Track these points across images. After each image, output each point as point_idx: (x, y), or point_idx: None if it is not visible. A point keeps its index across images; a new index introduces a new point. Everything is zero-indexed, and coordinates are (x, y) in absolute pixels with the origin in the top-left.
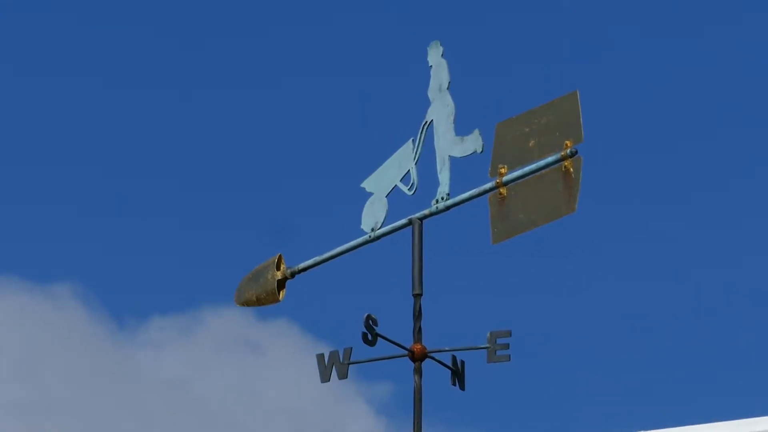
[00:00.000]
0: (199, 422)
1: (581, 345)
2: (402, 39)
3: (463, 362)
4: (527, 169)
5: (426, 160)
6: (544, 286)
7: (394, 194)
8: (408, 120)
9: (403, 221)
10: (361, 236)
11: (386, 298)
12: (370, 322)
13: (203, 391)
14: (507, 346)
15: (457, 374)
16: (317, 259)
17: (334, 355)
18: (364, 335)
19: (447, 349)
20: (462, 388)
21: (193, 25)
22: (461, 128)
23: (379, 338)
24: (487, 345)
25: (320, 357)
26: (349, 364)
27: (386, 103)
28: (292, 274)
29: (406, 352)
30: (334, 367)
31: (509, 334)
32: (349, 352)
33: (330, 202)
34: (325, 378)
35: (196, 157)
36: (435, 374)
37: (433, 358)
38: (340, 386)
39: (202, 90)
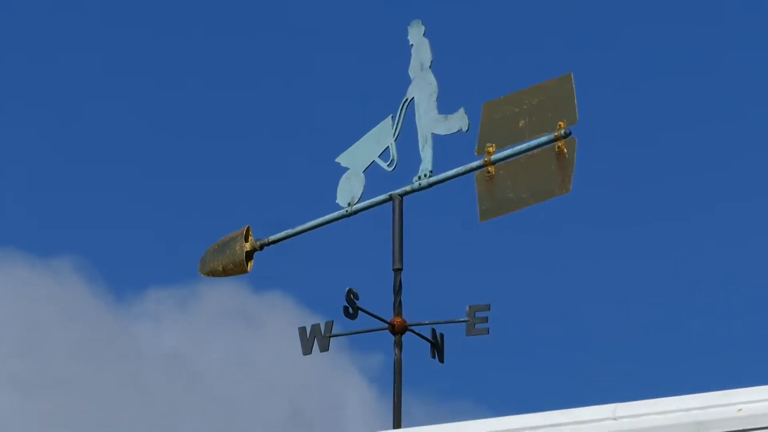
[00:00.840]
0: (197, 396)
1: (558, 320)
2: (382, 17)
3: (442, 335)
4: (518, 148)
5: (405, 137)
6: (523, 262)
7: (371, 170)
8: (384, 97)
9: (383, 197)
10: (336, 210)
11: (367, 272)
12: (351, 296)
13: (200, 365)
14: (486, 320)
15: (437, 347)
16: (289, 231)
17: (315, 328)
18: (345, 309)
19: (427, 322)
20: (441, 360)
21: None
22: (444, 107)
23: (360, 312)
24: (467, 318)
25: (302, 330)
26: (330, 336)
27: (363, 80)
28: (261, 246)
29: (386, 326)
30: (315, 340)
31: (488, 308)
32: (330, 325)
33: (304, 177)
34: (306, 350)
35: (188, 135)
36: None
37: (413, 331)
38: (335, 358)
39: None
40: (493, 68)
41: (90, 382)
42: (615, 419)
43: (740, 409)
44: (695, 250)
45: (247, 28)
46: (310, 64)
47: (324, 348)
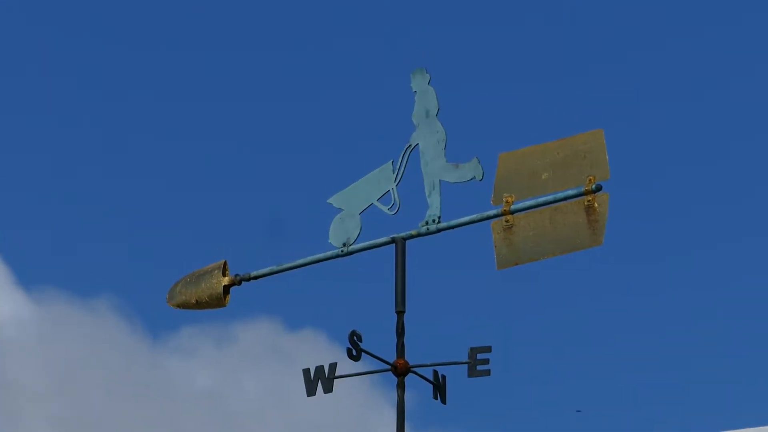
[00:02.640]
0: None
1: (558, 361)
2: (382, 64)
3: (444, 377)
4: (542, 199)
5: (404, 182)
6: (524, 305)
7: (366, 213)
8: (376, 143)
9: (385, 239)
10: (329, 250)
11: (370, 314)
12: (355, 338)
13: (235, 404)
14: (487, 361)
15: (439, 388)
16: (273, 268)
17: (319, 369)
18: (349, 351)
19: (429, 364)
20: (443, 402)
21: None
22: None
23: (363, 353)
24: (468, 360)
25: (306, 372)
26: (334, 378)
27: (359, 124)
28: (240, 281)
29: (389, 367)
30: (320, 382)
31: (489, 349)
32: (334, 366)
33: (291, 217)
34: (311, 392)
35: (240, 170)
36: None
37: (415, 372)
38: (369, 395)
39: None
40: (490, 121)
41: (126, 421)
42: None
43: None
44: (693, 287)
45: (239, 62)
46: (303, 99)
47: (328, 389)
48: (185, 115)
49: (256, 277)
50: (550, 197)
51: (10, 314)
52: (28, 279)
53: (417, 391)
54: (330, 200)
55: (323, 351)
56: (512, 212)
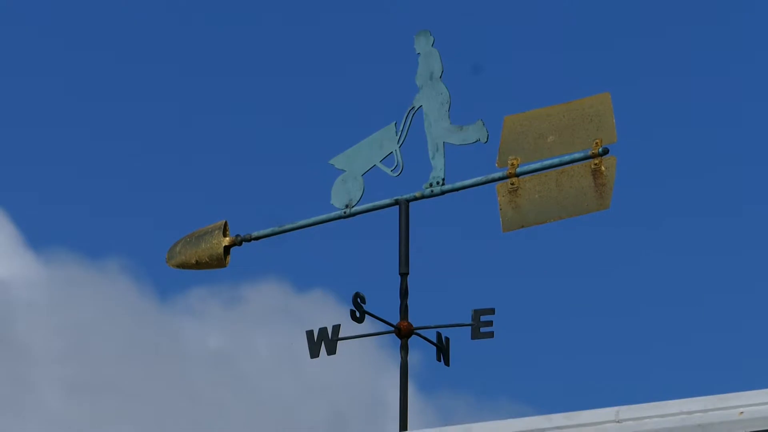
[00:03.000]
0: (242, 397)
1: (561, 323)
2: (386, 24)
3: (448, 339)
4: (547, 162)
5: (407, 144)
6: (528, 266)
7: (370, 174)
8: (377, 104)
9: (389, 201)
10: (331, 212)
11: (373, 275)
12: (359, 299)
13: (246, 365)
14: (491, 323)
15: (442, 350)
16: (275, 228)
17: (323, 331)
18: (353, 312)
19: (432, 326)
20: (447, 364)
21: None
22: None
23: (366, 315)
24: (472, 322)
25: (309, 333)
26: (337, 340)
27: (361, 86)
28: (242, 242)
29: (392, 329)
30: (323, 343)
31: (493, 311)
32: (337, 328)
33: (289, 179)
34: (314, 354)
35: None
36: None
37: (418, 334)
38: (381, 357)
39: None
40: (496, 82)
41: (138, 383)
42: (618, 422)
43: (742, 412)
44: (695, 253)
45: (249, 20)
46: (308, 64)
47: (331, 351)
48: (187, 79)
49: (257, 238)
50: (556, 160)
51: (20, 275)
52: (37, 240)
53: (425, 352)
54: (331, 161)
55: (332, 312)
56: (518, 175)
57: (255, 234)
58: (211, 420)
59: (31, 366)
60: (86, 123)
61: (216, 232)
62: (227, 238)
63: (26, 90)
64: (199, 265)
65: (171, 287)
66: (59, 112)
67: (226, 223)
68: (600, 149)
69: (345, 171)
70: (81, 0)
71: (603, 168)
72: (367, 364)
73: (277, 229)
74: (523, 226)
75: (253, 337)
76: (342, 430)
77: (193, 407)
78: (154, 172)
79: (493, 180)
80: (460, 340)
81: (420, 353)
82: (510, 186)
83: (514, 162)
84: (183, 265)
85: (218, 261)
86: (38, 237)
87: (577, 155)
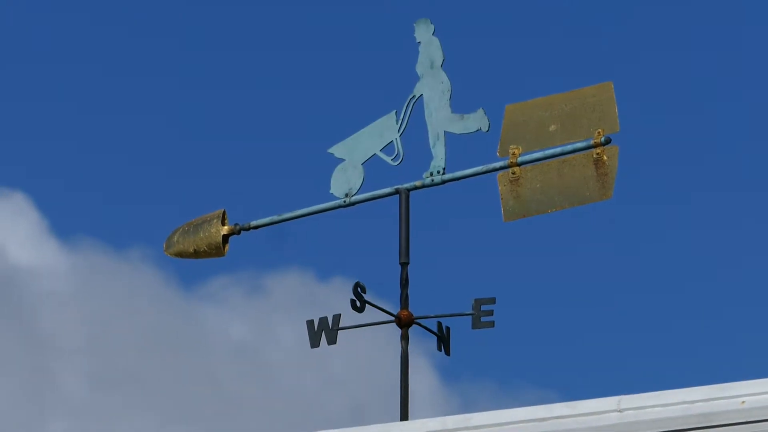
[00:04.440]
0: (264, 388)
1: (563, 313)
2: (385, 12)
3: (448, 328)
4: (549, 152)
5: (408, 133)
6: (528, 255)
7: (370, 163)
8: (377, 92)
9: (389, 190)
10: (330, 201)
11: (373, 264)
12: (359, 289)
13: (268, 356)
14: (491, 313)
15: (443, 340)
16: (274, 218)
17: (323, 321)
18: (353, 302)
19: (433, 315)
20: (447, 353)
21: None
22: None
23: (367, 305)
24: (472, 312)
25: (310, 323)
26: (338, 329)
27: (361, 74)
28: (240, 231)
29: (393, 319)
30: (323, 333)
31: (493, 301)
32: (338, 318)
33: (289, 167)
34: (314, 343)
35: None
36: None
37: (419, 324)
38: (397, 345)
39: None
40: (499, 71)
41: (162, 374)
42: (619, 411)
43: (743, 402)
44: (695, 241)
45: (250, 7)
46: (309, 52)
47: (332, 341)
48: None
49: (256, 227)
50: (558, 149)
51: (45, 264)
52: (62, 228)
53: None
54: (331, 150)
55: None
56: (519, 164)
57: (254, 223)
58: (233, 410)
59: (54, 356)
60: (112, 112)
61: (214, 220)
62: (226, 227)
63: (51, 75)
64: (197, 254)
65: (193, 275)
66: (84, 98)
67: (224, 211)
68: (602, 138)
69: (345, 160)
70: None
71: (605, 157)
72: (388, 353)
73: (276, 218)
74: (524, 216)
75: (276, 327)
76: (363, 419)
77: (215, 398)
78: (179, 161)
79: (495, 169)
80: (461, 329)
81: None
82: (511, 175)
83: (516, 151)
84: (181, 254)
85: (217, 250)
86: (63, 225)
87: (579, 144)
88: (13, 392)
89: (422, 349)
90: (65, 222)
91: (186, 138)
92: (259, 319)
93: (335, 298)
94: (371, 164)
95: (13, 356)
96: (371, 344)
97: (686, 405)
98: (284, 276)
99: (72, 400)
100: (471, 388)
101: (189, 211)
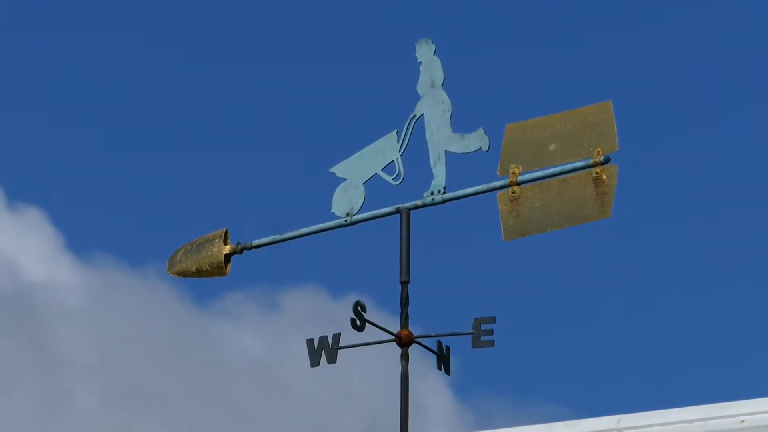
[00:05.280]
0: (280, 405)
1: (562, 332)
2: (386, 32)
3: (448, 348)
4: (549, 171)
5: (408, 152)
6: (528, 275)
7: (370, 182)
8: (376, 113)
9: (390, 209)
10: (332, 220)
11: (374, 283)
12: (359, 308)
13: (284, 373)
14: (491, 332)
15: (443, 359)
16: (276, 237)
17: (323, 340)
18: (353, 321)
19: (433, 334)
20: (447, 372)
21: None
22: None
23: (367, 324)
24: (472, 331)
25: (310, 342)
26: (338, 348)
27: (360, 95)
28: (242, 250)
29: (393, 338)
30: (323, 352)
31: (494, 320)
32: (338, 337)
33: (290, 188)
34: (314, 362)
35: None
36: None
37: (419, 343)
38: (423, 364)
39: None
40: (496, 92)
41: (176, 392)
42: (618, 430)
43: (742, 421)
44: (697, 260)
45: (249, 27)
46: (309, 72)
47: (332, 360)
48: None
49: (258, 246)
50: (557, 169)
51: (61, 279)
52: (78, 244)
53: (463, 356)
54: (332, 169)
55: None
56: (519, 183)
57: (256, 242)
58: (247, 426)
59: (68, 372)
60: (127, 130)
61: (216, 240)
62: (228, 246)
63: (63, 93)
64: (199, 273)
65: (207, 292)
66: (100, 117)
67: (226, 231)
68: (601, 158)
69: (346, 179)
70: None
71: (604, 176)
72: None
73: (277, 237)
74: (524, 235)
75: (291, 343)
76: None
77: (231, 414)
78: (194, 179)
79: (494, 188)
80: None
81: (458, 358)
82: (511, 194)
83: (516, 170)
84: (184, 274)
85: (219, 269)
86: (78, 241)
87: (578, 164)
88: (27, 408)
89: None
90: (81, 238)
91: (195, 152)
92: (274, 335)
93: (349, 315)
94: (372, 183)
95: (27, 372)
96: (385, 360)
97: (685, 424)
98: (298, 292)
99: (86, 416)
100: (484, 403)
101: (213, 229)
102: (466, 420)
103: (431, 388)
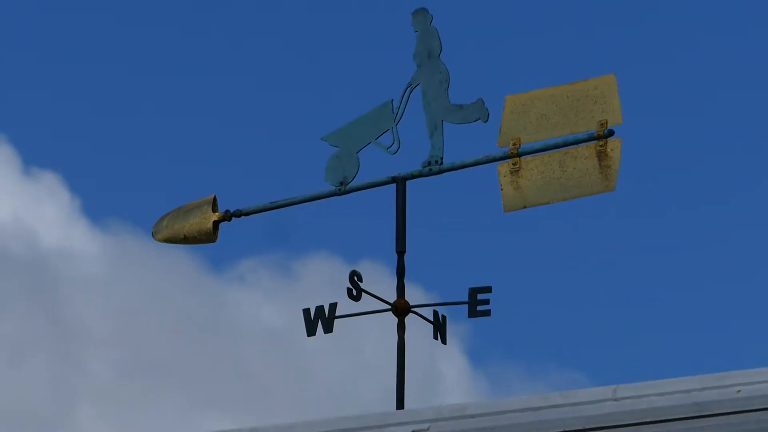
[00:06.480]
0: (295, 375)
1: (559, 302)
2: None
3: (444, 317)
4: (551, 143)
5: (404, 122)
6: (524, 245)
7: (365, 151)
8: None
9: (385, 179)
10: (324, 188)
11: (370, 253)
12: (355, 278)
13: (298, 342)
14: (488, 302)
15: (439, 328)
16: (266, 204)
17: (319, 309)
18: (349, 290)
19: (429, 304)
20: (444, 342)
21: None
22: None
23: (363, 293)
24: (468, 300)
25: (306, 311)
26: (334, 318)
27: (357, 65)
28: (230, 217)
29: (389, 308)
30: (320, 322)
31: (489, 290)
32: (334, 307)
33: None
34: (311, 332)
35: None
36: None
37: (415, 313)
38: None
39: None
40: (495, 62)
41: (192, 360)
42: (615, 400)
43: (739, 391)
44: (697, 235)
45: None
46: (304, 39)
47: (328, 329)
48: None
49: (247, 213)
50: (559, 140)
51: (76, 246)
52: (93, 210)
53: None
54: (324, 138)
55: (385, 282)
56: (519, 155)
57: (245, 209)
58: (262, 395)
59: (83, 341)
60: (143, 97)
61: (205, 206)
62: (216, 214)
63: (82, 64)
64: (187, 239)
65: (222, 258)
66: (116, 85)
67: (215, 197)
68: (605, 131)
69: (339, 148)
70: None
71: (608, 150)
72: (420, 339)
73: (268, 205)
74: (525, 207)
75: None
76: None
77: (245, 383)
78: (208, 145)
79: (495, 159)
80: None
81: (471, 324)
82: (512, 166)
83: (516, 142)
84: (170, 240)
85: (207, 236)
86: (94, 206)
87: (581, 136)
88: (41, 377)
89: (451, 332)
90: (97, 203)
91: (229, 125)
92: (289, 302)
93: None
94: (368, 153)
95: (42, 340)
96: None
97: (682, 394)
98: (312, 259)
99: (100, 385)
100: (499, 370)
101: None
102: (481, 388)
103: (446, 356)
